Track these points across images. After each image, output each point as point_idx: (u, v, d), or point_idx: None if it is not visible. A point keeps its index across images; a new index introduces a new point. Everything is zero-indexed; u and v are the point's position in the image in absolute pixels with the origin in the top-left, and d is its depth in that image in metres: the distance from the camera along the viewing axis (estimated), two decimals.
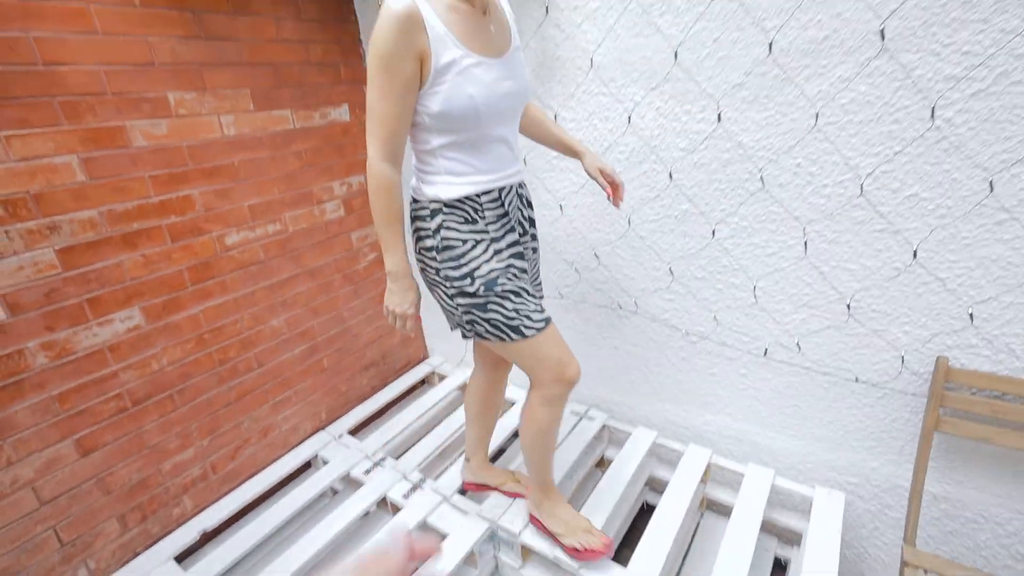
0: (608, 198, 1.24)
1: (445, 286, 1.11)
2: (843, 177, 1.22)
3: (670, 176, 1.44)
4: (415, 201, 1.11)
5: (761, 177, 1.32)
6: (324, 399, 1.91)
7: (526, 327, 1.10)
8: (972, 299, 1.17)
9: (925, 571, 1.20)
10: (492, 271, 1.09)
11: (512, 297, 1.10)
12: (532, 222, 1.24)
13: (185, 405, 1.48)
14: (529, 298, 1.12)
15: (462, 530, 1.42)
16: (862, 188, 1.20)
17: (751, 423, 1.61)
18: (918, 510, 1.29)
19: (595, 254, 1.69)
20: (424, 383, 2.31)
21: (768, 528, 1.58)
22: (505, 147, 1.09)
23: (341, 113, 1.84)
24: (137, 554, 1.41)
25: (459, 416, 1.94)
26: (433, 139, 1.02)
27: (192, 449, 1.52)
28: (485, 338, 1.14)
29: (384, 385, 2.16)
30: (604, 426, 1.85)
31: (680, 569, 1.54)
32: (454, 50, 0.95)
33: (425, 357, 2.38)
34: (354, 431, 1.95)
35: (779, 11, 1.16)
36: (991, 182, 1.07)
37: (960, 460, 1.31)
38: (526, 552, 1.45)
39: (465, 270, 1.08)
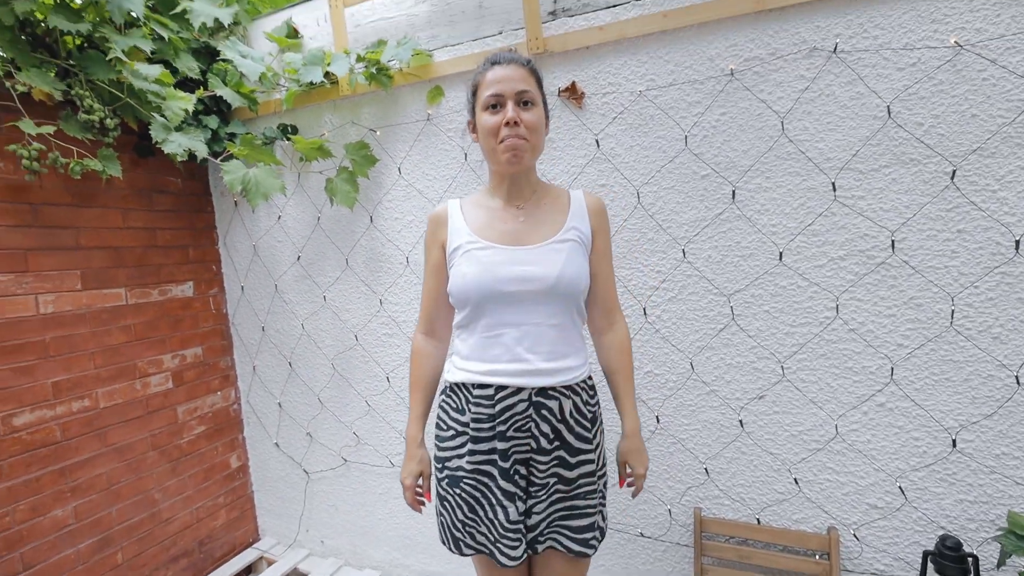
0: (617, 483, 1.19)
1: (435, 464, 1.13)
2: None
3: None
4: None
5: None
6: None
7: (464, 547, 1.07)
8: (706, 456, 1.44)
9: None
10: (459, 469, 1.05)
11: (464, 508, 1.05)
12: (562, 441, 1.03)
13: None
14: (486, 520, 1.03)
15: None
16: None
17: None
18: None
19: None
20: (249, 572, 2.08)
21: None
22: (514, 339, 1.00)
23: (184, 289, 1.93)
24: None
25: None
26: (455, 319, 1.11)
27: None
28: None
29: None
30: None
31: None
32: (465, 237, 1.05)
33: (255, 540, 2.18)
34: None
35: None
36: (691, 362, 1.42)
37: None
38: None
39: (440, 455, 1.09)
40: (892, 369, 1.25)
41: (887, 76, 1.18)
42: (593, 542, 1.08)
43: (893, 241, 1.21)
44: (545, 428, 1.02)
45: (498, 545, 1.03)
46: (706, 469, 1.44)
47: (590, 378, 1.10)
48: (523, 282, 0.99)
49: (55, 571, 1.52)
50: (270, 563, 2.05)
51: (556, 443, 1.03)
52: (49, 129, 1.38)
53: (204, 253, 2.00)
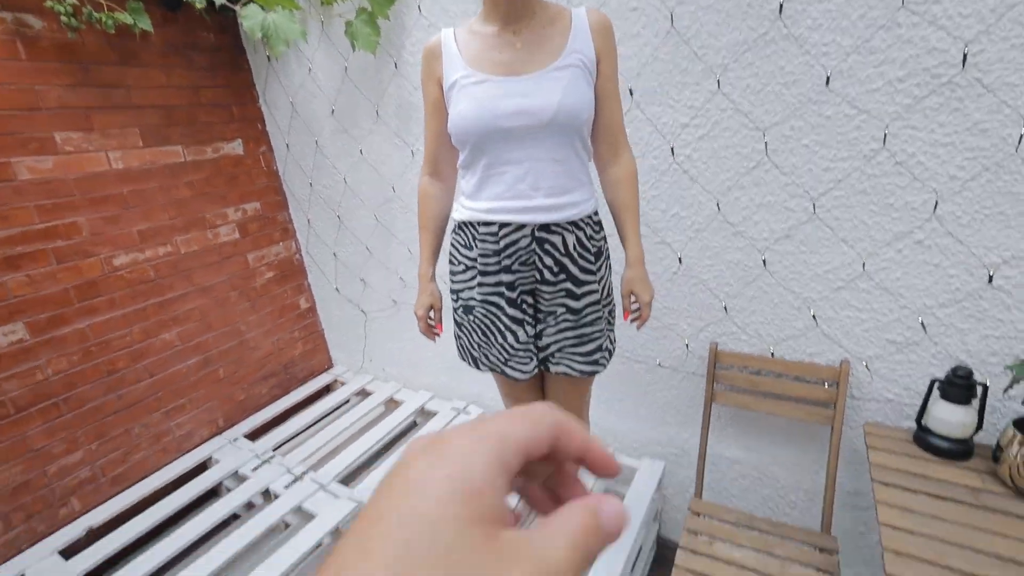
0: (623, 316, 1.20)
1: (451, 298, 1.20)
2: None
3: None
4: None
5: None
6: (220, 407, 2.07)
7: (481, 364, 1.19)
8: (726, 295, 1.48)
9: (701, 515, 1.48)
10: (471, 299, 1.14)
11: (478, 333, 1.15)
12: (567, 274, 1.06)
13: (71, 412, 1.62)
14: (497, 343, 1.13)
15: (331, 510, 1.61)
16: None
17: (594, 409, 1.87)
18: (703, 468, 1.58)
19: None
20: (327, 390, 2.49)
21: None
22: (515, 177, 1.00)
23: (234, 147, 2.04)
24: (21, 550, 1.52)
25: (350, 416, 2.12)
26: (459, 159, 1.10)
27: (79, 452, 1.65)
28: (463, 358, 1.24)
29: (286, 393, 2.32)
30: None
31: None
32: (459, 71, 0.99)
33: (329, 367, 2.56)
34: (253, 436, 2.10)
35: None
36: (718, 203, 1.38)
37: (741, 429, 1.60)
38: None
39: (454, 287, 1.18)
40: (936, 203, 1.16)
41: None
42: (602, 360, 1.18)
43: (966, 55, 1.05)
44: (548, 261, 1.06)
45: (509, 364, 1.16)
46: (725, 307, 1.49)
47: (595, 213, 1.11)
48: (521, 116, 0.96)
49: (173, 380, 1.90)
50: (342, 384, 2.43)
51: (561, 275, 1.07)
52: None
53: (247, 111, 2.07)
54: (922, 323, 1.26)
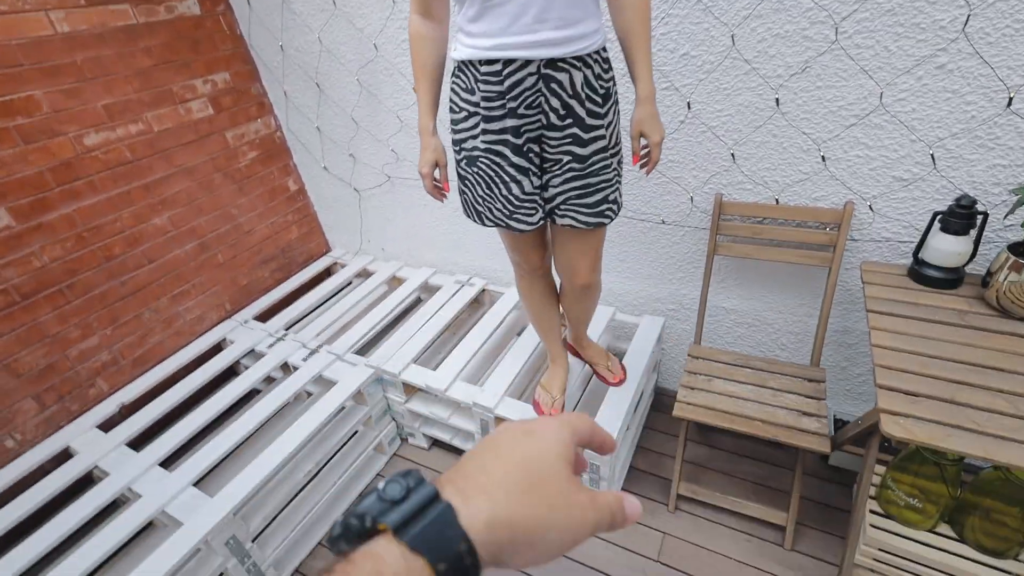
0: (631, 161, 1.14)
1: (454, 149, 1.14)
2: None
3: None
4: None
5: None
6: (226, 291, 2.08)
7: (486, 219, 1.17)
8: (734, 142, 1.44)
9: (700, 358, 1.58)
10: (475, 149, 1.08)
11: (483, 186, 1.11)
12: (574, 118, 1.02)
13: (78, 298, 1.62)
14: (501, 196, 1.11)
15: (351, 376, 1.69)
16: None
17: None
18: (703, 317, 1.66)
19: None
20: (328, 273, 2.50)
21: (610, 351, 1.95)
22: (520, 7, 0.91)
23: (190, 6, 1.81)
24: (61, 427, 1.61)
25: (355, 295, 2.16)
26: None
27: (96, 337, 1.68)
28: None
29: (288, 277, 2.33)
30: (483, 290, 2.12)
31: None
32: None
33: (327, 250, 2.55)
34: (262, 318, 2.14)
35: None
36: (732, 36, 1.29)
37: (740, 280, 1.65)
38: (408, 388, 1.75)
39: (456, 137, 1.11)
40: (967, 18, 1.09)
41: None
42: (609, 212, 1.16)
43: None
44: (555, 103, 1.00)
45: (515, 217, 1.14)
46: (732, 155, 1.45)
47: (604, 49, 1.03)
48: None
49: (173, 265, 1.88)
50: (343, 266, 2.43)
51: (568, 119, 1.02)
52: None
53: None
54: (932, 156, 1.25)
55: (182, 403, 1.73)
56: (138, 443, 1.57)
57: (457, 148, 1.13)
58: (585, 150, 1.06)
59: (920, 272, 1.28)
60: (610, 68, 1.06)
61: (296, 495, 1.59)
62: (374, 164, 2.10)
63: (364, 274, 2.38)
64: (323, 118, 2.09)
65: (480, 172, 1.11)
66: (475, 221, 1.22)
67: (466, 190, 1.18)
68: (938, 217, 1.23)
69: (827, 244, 1.43)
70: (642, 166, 1.16)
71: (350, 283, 2.38)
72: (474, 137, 1.08)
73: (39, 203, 1.50)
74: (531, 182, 1.10)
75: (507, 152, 1.06)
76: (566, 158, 1.07)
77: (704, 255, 1.65)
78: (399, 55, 1.75)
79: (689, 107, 1.43)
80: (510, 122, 1.02)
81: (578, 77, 0.99)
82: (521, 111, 1.01)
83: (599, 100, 1.03)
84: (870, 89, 1.23)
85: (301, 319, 2.15)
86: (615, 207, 1.18)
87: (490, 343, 1.85)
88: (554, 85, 0.99)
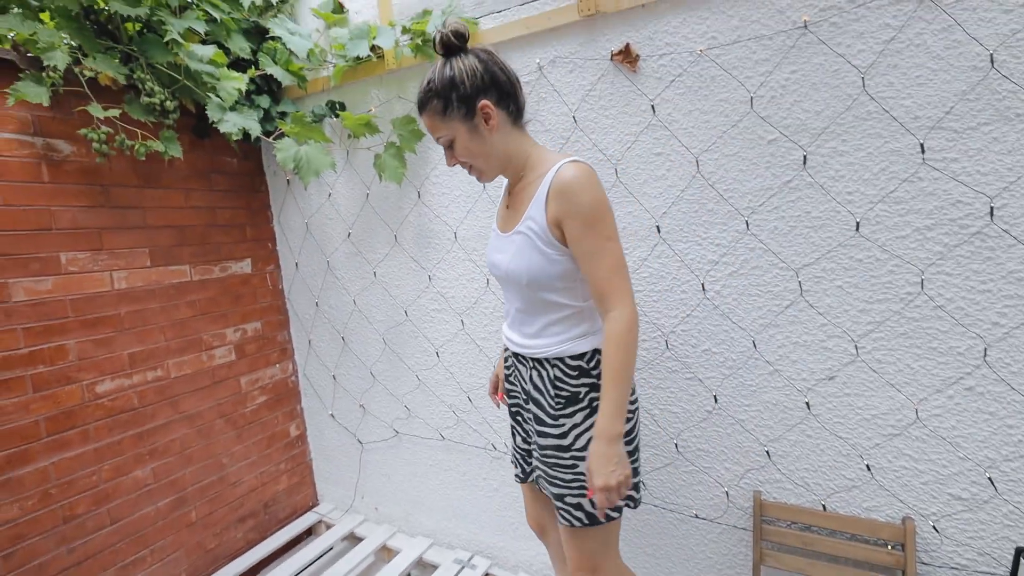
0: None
1: None
2: (654, 334, 1.46)
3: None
4: None
5: None
6: (186, 557, 1.78)
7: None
8: (768, 439, 1.38)
9: None
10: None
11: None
12: (535, 404, 1.11)
13: (10, 573, 1.36)
14: (513, 448, 1.29)
15: None
16: (667, 343, 1.44)
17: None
18: None
19: (468, 398, 1.82)
20: (310, 533, 2.20)
21: None
22: (506, 311, 1.18)
23: (243, 266, 2.00)
24: None
25: (335, 570, 1.84)
26: None
27: None
28: None
29: (263, 538, 2.04)
30: (487, 574, 1.82)
31: None
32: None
33: (314, 504, 2.29)
34: None
35: None
36: (754, 341, 1.34)
37: None
38: None
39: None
40: (985, 350, 1.13)
41: (991, 20, 1.04)
42: (565, 515, 1.09)
43: (992, 208, 1.08)
44: (523, 387, 1.17)
45: (514, 461, 1.29)
46: (767, 452, 1.38)
47: (575, 358, 1.05)
48: (494, 268, 1.12)
49: (138, 526, 1.65)
50: (328, 527, 2.15)
51: (530, 404, 1.15)
52: (115, 113, 1.43)
53: (260, 231, 2.07)
54: (990, 478, 1.16)
55: None
56: None
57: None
58: (542, 440, 1.11)
59: None
60: (582, 375, 1.06)
61: None
62: (384, 417, 2.03)
63: (352, 538, 2.09)
64: (341, 367, 2.11)
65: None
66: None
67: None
68: (1023, 554, 1.08)
69: (893, 566, 1.24)
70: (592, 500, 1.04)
71: (332, 548, 2.07)
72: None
73: (18, 456, 1.38)
74: (522, 439, 1.24)
75: (514, 417, 1.25)
76: (533, 435, 1.16)
77: (748, 560, 1.43)
78: (426, 322, 1.84)
79: (716, 400, 1.41)
80: (507, 385, 1.25)
81: (534, 374, 1.11)
82: (510, 379, 1.23)
83: (561, 400, 1.07)
84: (902, 402, 1.22)
85: None
86: (580, 515, 1.06)
87: None
88: (520, 372, 1.17)
